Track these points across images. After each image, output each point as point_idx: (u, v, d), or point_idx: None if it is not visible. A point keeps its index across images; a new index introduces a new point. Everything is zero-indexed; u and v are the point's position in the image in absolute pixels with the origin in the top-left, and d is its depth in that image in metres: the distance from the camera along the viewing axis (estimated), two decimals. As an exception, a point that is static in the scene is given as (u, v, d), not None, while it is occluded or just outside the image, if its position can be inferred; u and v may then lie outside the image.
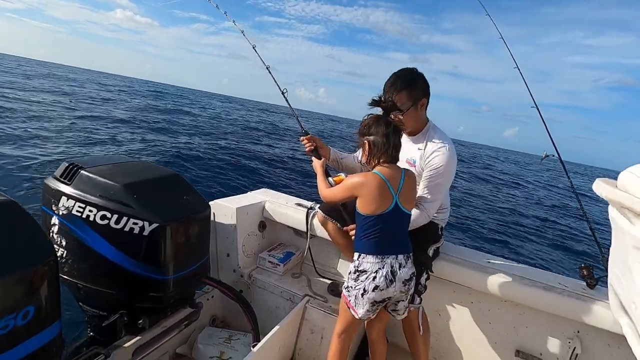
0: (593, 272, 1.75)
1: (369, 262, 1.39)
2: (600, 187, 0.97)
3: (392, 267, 1.38)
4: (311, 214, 2.11)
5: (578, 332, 1.72)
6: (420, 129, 1.74)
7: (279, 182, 6.43)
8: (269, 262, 2.18)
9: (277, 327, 1.62)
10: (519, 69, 2.16)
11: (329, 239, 1.95)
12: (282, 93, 2.06)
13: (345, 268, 2.26)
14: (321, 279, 2.17)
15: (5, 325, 0.91)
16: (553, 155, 1.97)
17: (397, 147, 1.44)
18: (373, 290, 1.37)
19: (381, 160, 1.43)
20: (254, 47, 2.21)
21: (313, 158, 1.86)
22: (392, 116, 1.49)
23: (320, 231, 2.03)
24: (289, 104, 2.11)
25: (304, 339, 1.89)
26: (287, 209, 2.23)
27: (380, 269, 1.37)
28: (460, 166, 1.77)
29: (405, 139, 1.77)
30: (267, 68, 2.19)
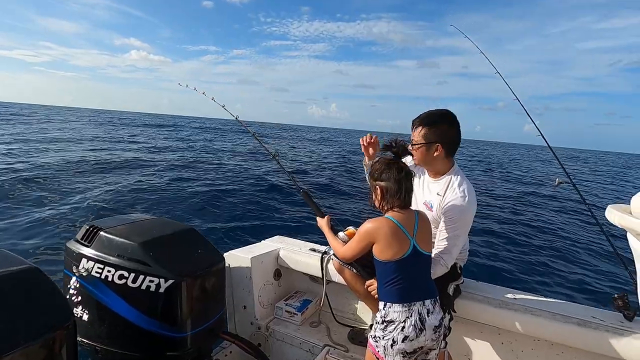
0: (629, 302, 1.64)
1: (395, 311, 1.33)
2: (612, 214, 0.95)
3: (420, 314, 1.32)
4: (325, 259, 2.08)
5: None
6: (443, 172, 1.72)
7: (292, 225, 6.40)
8: (286, 311, 2.13)
9: None
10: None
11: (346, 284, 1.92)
12: (274, 157, 2.27)
13: (364, 313, 2.18)
14: (340, 327, 2.09)
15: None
16: (567, 182, 1.94)
17: (410, 191, 1.43)
18: (403, 341, 1.30)
19: (394, 206, 1.41)
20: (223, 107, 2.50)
21: (317, 217, 1.81)
22: (410, 148, 1.53)
23: (337, 276, 2.00)
24: (281, 166, 2.28)
25: None
26: (301, 255, 2.22)
27: (408, 317, 1.31)
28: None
29: (426, 180, 1.78)
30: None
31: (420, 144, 1.66)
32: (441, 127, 1.65)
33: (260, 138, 2.50)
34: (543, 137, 2.05)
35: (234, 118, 2.52)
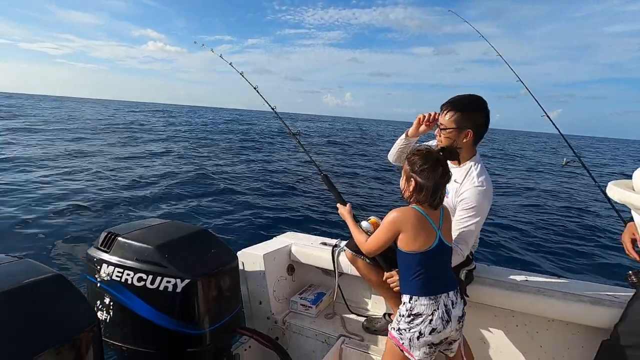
0: None
1: (423, 304, 1.32)
2: (612, 190, 0.95)
3: (446, 306, 1.33)
4: (337, 252, 2.12)
5: None
6: (465, 160, 1.69)
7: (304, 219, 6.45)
8: (301, 304, 2.18)
9: None
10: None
11: (358, 275, 1.95)
12: (295, 136, 2.24)
13: (378, 302, 2.22)
14: (355, 317, 2.13)
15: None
16: (574, 161, 1.92)
17: (442, 197, 1.40)
18: (430, 334, 1.30)
19: (424, 202, 1.37)
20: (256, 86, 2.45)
21: (338, 205, 1.75)
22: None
23: (349, 268, 2.03)
24: (302, 146, 2.24)
25: None
26: (312, 249, 2.26)
27: (435, 310, 1.31)
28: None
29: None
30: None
31: (451, 128, 1.62)
32: (473, 113, 1.63)
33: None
34: (549, 119, 2.02)
35: (253, 88, 2.49)
